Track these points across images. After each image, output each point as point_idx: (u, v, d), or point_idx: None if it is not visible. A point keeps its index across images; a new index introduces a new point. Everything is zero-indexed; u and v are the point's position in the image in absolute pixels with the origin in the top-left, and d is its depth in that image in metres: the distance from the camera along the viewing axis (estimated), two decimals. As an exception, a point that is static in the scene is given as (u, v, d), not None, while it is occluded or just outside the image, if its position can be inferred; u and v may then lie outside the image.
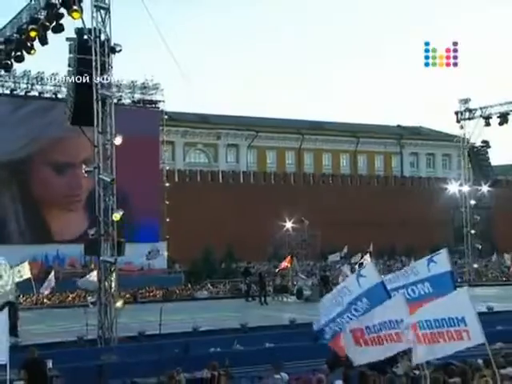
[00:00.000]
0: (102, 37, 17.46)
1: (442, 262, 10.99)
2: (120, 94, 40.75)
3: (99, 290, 17.61)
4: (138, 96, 41.91)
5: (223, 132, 62.68)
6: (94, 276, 22.63)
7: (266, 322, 21.91)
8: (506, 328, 19.93)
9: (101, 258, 17.52)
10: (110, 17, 17.59)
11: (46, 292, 30.99)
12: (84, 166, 18.05)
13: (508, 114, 33.52)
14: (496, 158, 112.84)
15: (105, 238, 17.46)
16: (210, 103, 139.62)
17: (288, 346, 16.65)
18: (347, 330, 11.10)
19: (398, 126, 70.77)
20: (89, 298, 18.65)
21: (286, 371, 13.95)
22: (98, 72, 17.31)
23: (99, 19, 17.45)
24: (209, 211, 47.99)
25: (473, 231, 37.01)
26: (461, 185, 39.68)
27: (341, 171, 65.48)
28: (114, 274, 17.83)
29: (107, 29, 17.60)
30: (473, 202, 37.13)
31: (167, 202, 41.19)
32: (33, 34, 19.94)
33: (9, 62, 22.79)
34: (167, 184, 42.06)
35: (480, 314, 23.11)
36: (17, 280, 27.80)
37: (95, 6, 17.25)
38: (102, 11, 17.38)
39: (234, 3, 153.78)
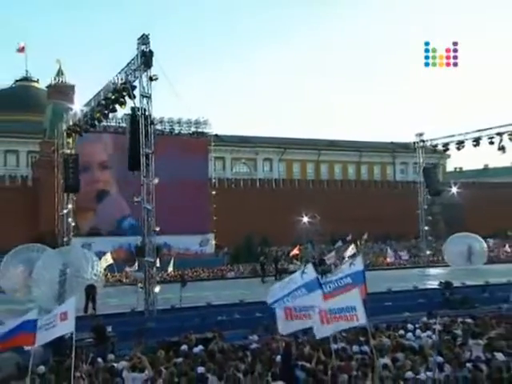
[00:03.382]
0: (146, 113, 18.99)
1: (358, 263, 12.19)
2: (180, 128, 41.99)
3: (144, 279, 18.88)
4: (193, 129, 42.50)
5: (260, 149, 63.35)
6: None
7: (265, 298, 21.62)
8: (427, 301, 21.01)
9: (145, 259, 18.91)
10: (151, 101, 19.07)
11: (130, 270, 31.87)
12: (134, 198, 19.23)
13: (448, 144, 33.79)
14: (469, 164, 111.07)
15: (148, 245, 18.91)
16: (250, 126, 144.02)
17: (270, 315, 16.27)
18: (282, 307, 12.08)
19: (391, 142, 69.69)
20: (139, 284, 19.67)
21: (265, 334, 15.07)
22: (143, 136, 18.78)
23: (144, 102, 19.06)
24: (249, 209, 48.21)
25: (426, 227, 36.31)
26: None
27: (348, 178, 65.10)
28: (154, 269, 18.93)
29: (150, 108, 19.11)
30: (425, 207, 36.47)
31: (214, 206, 41.73)
32: (105, 109, 22.19)
33: (95, 123, 24.77)
34: (214, 192, 42.56)
35: (406, 292, 23.58)
36: (105, 265, 28.83)
37: (141, 95, 19.01)
38: (146, 98, 19.02)
39: (257, 53, 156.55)
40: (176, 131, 42.14)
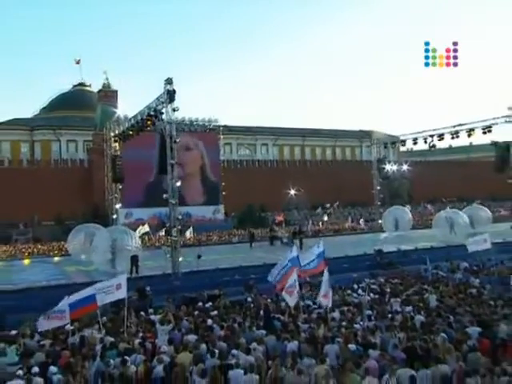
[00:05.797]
0: (171, 133, 19.79)
1: (321, 246, 13.67)
2: (197, 124, 42.48)
3: (171, 250, 19.63)
4: (207, 124, 42.99)
5: (259, 137, 63.33)
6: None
7: (257, 262, 21.19)
8: (371, 263, 20.79)
9: (170, 237, 20.06)
10: (174, 126, 19.89)
11: (158, 236, 32.50)
12: (164, 196, 19.87)
13: (395, 142, 35.92)
14: (417, 145, 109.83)
15: (174, 226, 19.87)
16: (252, 117, 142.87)
17: (260, 277, 16.15)
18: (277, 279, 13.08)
19: (360, 130, 69.43)
20: (167, 255, 20.03)
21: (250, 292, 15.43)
22: (169, 150, 19.70)
23: (169, 126, 19.90)
24: (250, 184, 48.01)
25: (379, 203, 37.12)
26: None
27: (326, 158, 64.95)
28: (177, 243, 19.54)
29: (173, 129, 19.89)
30: (378, 188, 37.20)
31: (223, 183, 42.68)
32: (140, 126, 23.31)
33: (133, 135, 25.48)
34: (222, 174, 43.38)
35: (357, 256, 23.53)
36: (142, 233, 29.52)
37: (167, 122, 19.98)
38: (170, 124, 19.87)
39: (251, 54, 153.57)
40: (195, 126, 42.96)
